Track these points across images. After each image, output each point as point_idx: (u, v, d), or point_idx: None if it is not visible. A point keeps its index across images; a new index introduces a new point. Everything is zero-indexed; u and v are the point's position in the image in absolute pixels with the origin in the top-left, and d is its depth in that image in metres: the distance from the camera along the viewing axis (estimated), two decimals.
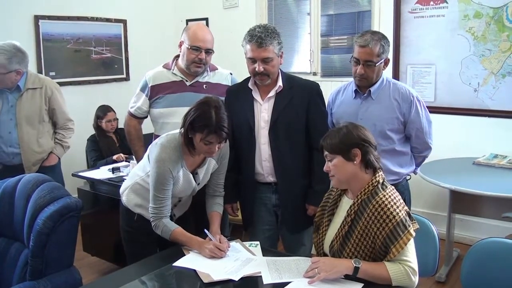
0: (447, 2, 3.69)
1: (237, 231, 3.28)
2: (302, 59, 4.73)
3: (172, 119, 2.44)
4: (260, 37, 2.10)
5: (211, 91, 2.44)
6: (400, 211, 1.66)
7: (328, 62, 4.58)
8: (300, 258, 1.89)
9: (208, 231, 2.04)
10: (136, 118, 2.63)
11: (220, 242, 1.95)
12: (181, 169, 2.02)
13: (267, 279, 1.72)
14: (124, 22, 5.05)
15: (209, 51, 2.45)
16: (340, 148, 1.73)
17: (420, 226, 1.80)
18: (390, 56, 2.86)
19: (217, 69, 2.61)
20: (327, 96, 2.45)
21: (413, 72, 3.94)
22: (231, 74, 2.63)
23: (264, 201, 2.32)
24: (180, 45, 2.48)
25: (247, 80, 2.30)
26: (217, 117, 1.89)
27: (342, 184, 1.80)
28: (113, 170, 3.35)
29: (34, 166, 3.04)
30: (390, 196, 1.69)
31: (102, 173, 3.43)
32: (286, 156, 2.21)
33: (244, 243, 2.06)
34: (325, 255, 1.84)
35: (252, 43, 2.12)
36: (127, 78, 5.12)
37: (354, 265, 1.64)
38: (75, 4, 4.63)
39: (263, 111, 2.23)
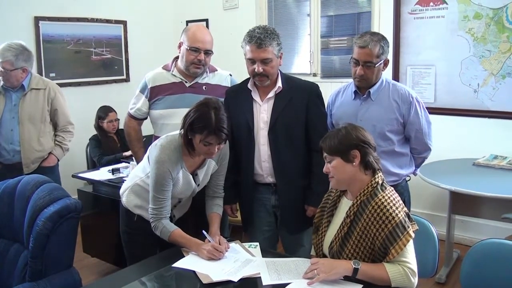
0: (446, 3, 3.69)
1: (236, 232, 3.28)
2: (302, 60, 4.73)
3: (171, 120, 2.44)
4: (259, 38, 2.10)
5: (211, 92, 2.44)
6: (399, 212, 1.66)
7: (328, 63, 4.58)
8: (300, 259, 1.89)
9: (208, 232, 2.04)
10: (136, 119, 2.64)
11: (219, 243, 1.95)
12: (180, 170, 2.02)
13: (266, 280, 1.72)
14: (124, 23, 5.06)
15: (208, 52, 2.45)
16: (339, 150, 1.73)
17: (420, 227, 1.80)
18: (390, 57, 2.86)
19: (216, 70, 2.61)
20: (327, 97, 2.45)
21: (413, 73, 3.94)
22: (230, 75, 2.64)
23: (264, 202, 2.32)
24: (180, 46, 2.48)
25: (246, 81, 2.30)
26: (217, 118, 1.90)
27: (341, 185, 1.80)
28: (113, 171, 3.36)
29: (33, 164, 3.06)
30: (389, 197, 1.69)
31: (102, 174, 3.43)
32: (285, 157, 2.21)
33: (244, 244, 2.06)
34: (324, 256, 1.84)
35: (251, 44, 2.13)
36: (127, 79, 5.12)
37: (354, 266, 1.64)
38: (75, 5, 4.64)
39: (263, 112, 2.23)
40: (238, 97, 2.29)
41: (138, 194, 2.14)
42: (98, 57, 4.90)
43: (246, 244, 2.05)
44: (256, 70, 2.14)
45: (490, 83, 3.58)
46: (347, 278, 1.66)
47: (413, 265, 1.65)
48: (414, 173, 2.55)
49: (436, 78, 3.83)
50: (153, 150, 2.02)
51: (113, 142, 4.21)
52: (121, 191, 2.24)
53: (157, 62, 2.70)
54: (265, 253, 1.98)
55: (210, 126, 1.89)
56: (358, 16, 4.32)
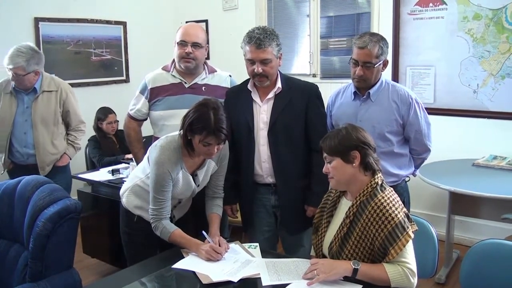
0: (446, 4, 3.70)
1: (236, 233, 3.28)
2: (302, 60, 4.73)
3: (171, 121, 2.45)
4: (259, 38, 2.11)
5: (210, 93, 2.45)
6: (398, 212, 1.66)
7: (327, 64, 4.58)
8: (299, 259, 1.89)
9: (208, 233, 2.04)
10: (136, 120, 2.64)
11: (219, 244, 1.95)
12: (180, 171, 2.02)
13: (266, 281, 1.72)
14: (124, 24, 5.06)
15: (196, 45, 2.45)
16: (339, 150, 1.73)
17: (419, 227, 1.80)
18: (389, 57, 2.87)
19: (216, 71, 2.61)
20: (326, 97, 2.45)
21: (412, 74, 3.94)
22: (230, 76, 2.64)
23: (264, 202, 2.32)
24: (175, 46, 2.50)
25: (246, 81, 2.30)
26: (216, 119, 1.90)
27: (341, 186, 1.80)
28: (113, 172, 3.37)
29: (48, 166, 3.08)
30: (388, 198, 1.69)
31: (102, 175, 3.43)
32: (285, 157, 2.21)
33: (244, 244, 2.06)
34: (324, 256, 1.84)
35: (251, 44, 2.13)
36: (127, 80, 5.12)
37: (353, 266, 1.64)
38: (75, 6, 4.64)
39: (262, 112, 2.23)
40: (238, 98, 2.29)
41: (138, 194, 2.14)
42: (98, 58, 4.90)
43: (246, 245, 2.05)
44: (255, 70, 2.15)
45: (490, 84, 3.59)
46: (346, 279, 1.66)
47: (413, 266, 1.65)
48: (414, 174, 2.55)
49: (436, 79, 3.83)
50: (153, 151, 2.03)
51: (112, 143, 4.21)
52: (121, 191, 2.24)
53: (157, 63, 2.70)
54: (265, 253, 1.98)
55: (209, 126, 1.89)
56: (358, 16, 4.33)
